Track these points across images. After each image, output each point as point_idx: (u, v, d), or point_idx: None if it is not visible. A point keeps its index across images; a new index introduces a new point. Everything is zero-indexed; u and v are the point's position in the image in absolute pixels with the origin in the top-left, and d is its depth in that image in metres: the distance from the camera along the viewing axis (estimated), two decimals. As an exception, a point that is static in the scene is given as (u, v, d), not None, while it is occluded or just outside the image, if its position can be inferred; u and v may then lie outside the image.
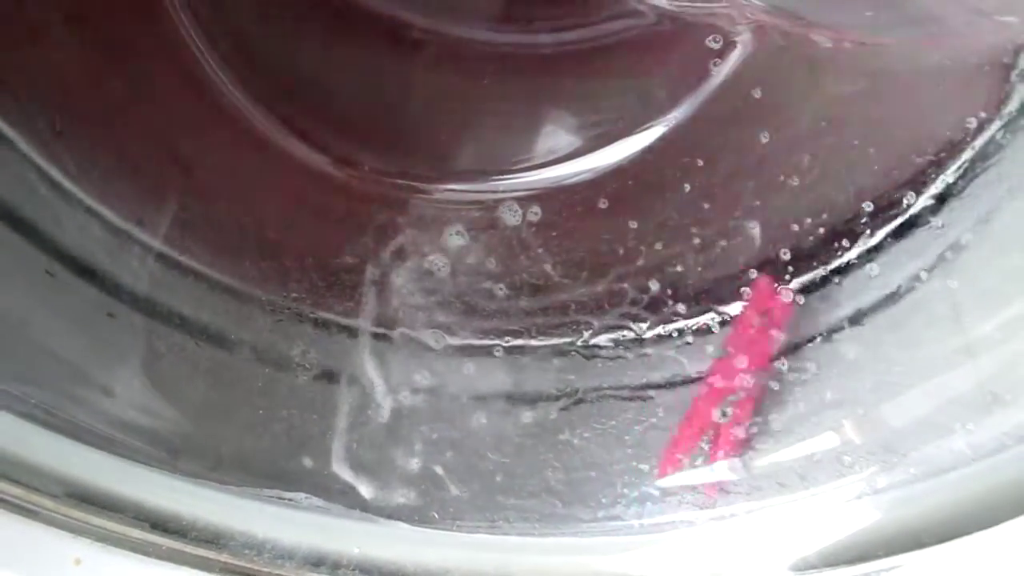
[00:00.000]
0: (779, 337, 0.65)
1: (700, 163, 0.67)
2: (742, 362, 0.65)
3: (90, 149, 0.68)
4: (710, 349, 0.67)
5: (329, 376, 0.69)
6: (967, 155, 0.62)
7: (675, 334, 0.68)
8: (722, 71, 0.66)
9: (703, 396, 0.65)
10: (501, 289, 0.69)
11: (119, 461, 0.61)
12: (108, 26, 0.68)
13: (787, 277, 0.66)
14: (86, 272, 0.66)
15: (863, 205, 0.64)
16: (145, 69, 0.69)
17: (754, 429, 0.63)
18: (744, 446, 0.63)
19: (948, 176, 0.62)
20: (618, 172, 0.70)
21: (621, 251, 0.68)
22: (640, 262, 0.68)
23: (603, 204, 0.69)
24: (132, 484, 0.60)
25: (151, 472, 0.62)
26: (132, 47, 0.69)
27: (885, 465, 0.59)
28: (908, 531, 0.55)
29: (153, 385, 0.66)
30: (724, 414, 0.64)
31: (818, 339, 0.65)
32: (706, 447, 0.64)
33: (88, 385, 0.64)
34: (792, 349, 0.65)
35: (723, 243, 0.67)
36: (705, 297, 0.68)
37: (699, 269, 0.68)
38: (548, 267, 0.69)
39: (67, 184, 0.66)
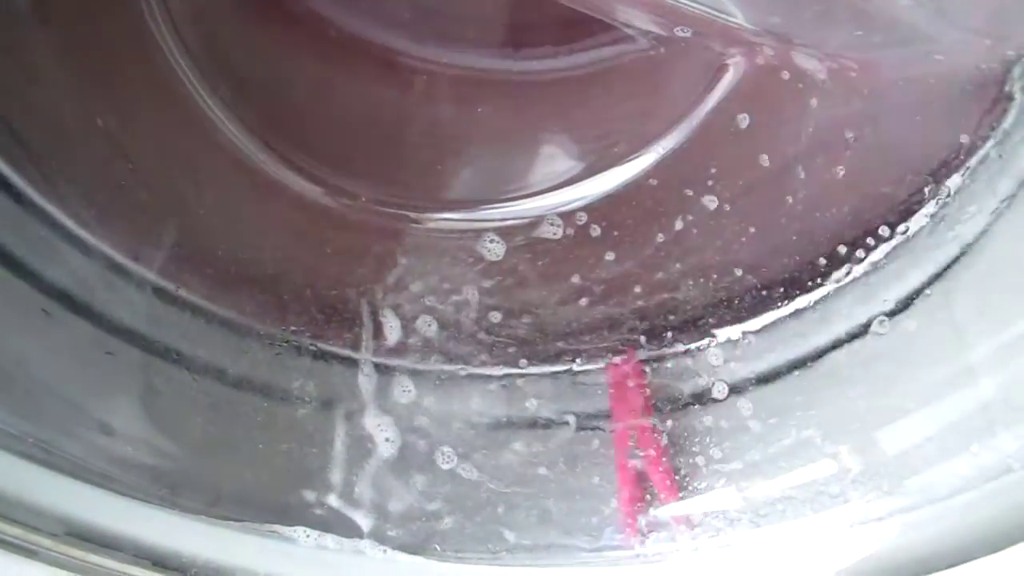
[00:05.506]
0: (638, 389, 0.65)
1: (695, 190, 0.67)
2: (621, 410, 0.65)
3: (87, 186, 0.68)
4: (705, 376, 0.67)
5: (328, 408, 0.69)
6: (962, 173, 0.61)
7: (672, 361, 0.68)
8: (715, 95, 0.66)
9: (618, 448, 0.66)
10: (497, 317, 0.69)
11: (118, 499, 0.61)
12: (103, 65, 0.68)
13: (781, 300, 0.65)
14: (83, 309, 0.66)
15: (858, 225, 0.64)
16: (140, 106, 0.70)
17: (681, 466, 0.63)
18: (677, 484, 0.63)
19: (943, 195, 0.62)
20: (614, 199, 0.69)
21: (617, 277, 0.68)
22: (637, 289, 0.68)
23: (597, 231, 0.69)
24: (132, 521, 0.60)
25: (151, 509, 0.62)
26: (127, 85, 0.69)
27: (888, 490, 0.58)
28: (914, 557, 0.54)
29: (152, 421, 0.66)
30: (635, 456, 0.64)
31: (816, 362, 0.64)
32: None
33: (86, 423, 0.64)
34: (785, 372, 0.65)
35: (719, 269, 0.67)
36: (702, 323, 0.67)
37: (695, 295, 0.67)
38: (545, 295, 0.69)
39: (64, 221, 0.67)
